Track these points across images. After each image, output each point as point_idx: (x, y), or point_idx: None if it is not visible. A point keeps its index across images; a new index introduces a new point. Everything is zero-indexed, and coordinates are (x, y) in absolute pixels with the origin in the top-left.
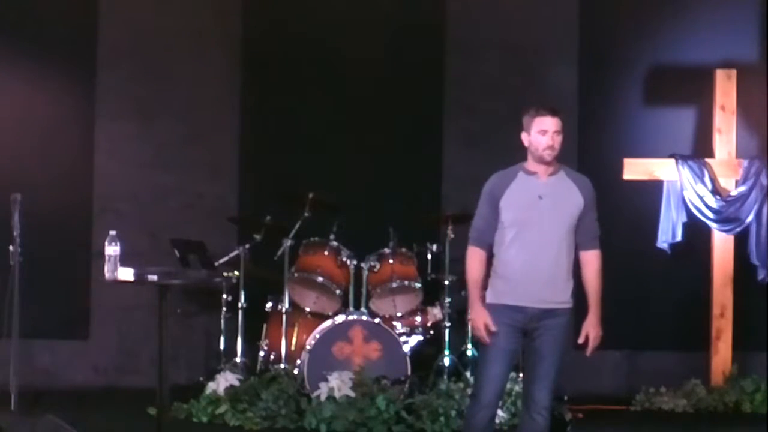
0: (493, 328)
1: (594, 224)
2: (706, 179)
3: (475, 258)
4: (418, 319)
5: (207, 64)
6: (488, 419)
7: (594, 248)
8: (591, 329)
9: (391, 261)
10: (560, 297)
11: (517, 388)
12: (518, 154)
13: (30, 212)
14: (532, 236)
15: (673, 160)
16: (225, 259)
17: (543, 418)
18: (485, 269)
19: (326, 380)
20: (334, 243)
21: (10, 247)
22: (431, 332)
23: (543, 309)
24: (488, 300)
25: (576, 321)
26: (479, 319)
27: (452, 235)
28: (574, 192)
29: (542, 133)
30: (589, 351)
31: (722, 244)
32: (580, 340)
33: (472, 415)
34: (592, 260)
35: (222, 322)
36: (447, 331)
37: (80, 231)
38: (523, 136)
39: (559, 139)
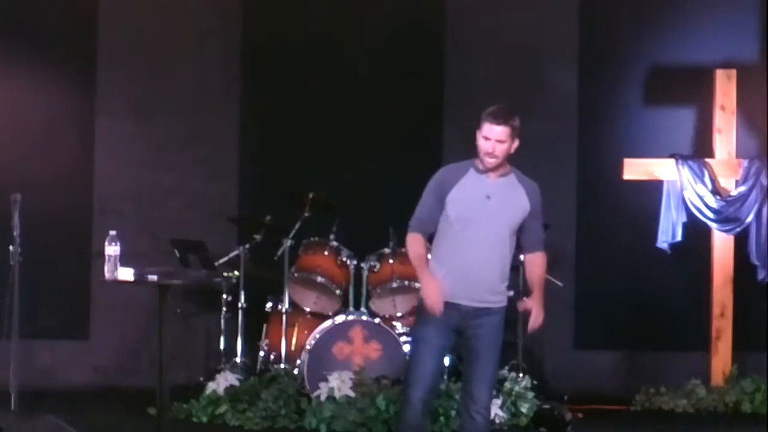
0: (445, 298)
1: (540, 230)
2: (706, 179)
3: (416, 240)
4: None
5: (207, 64)
6: (419, 417)
7: (540, 251)
8: (534, 305)
9: (391, 261)
10: (496, 296)
11: (517, 387)
12: (518, 153)
13: (30, 212)
14: (475, 235)
15: (673, 160)
16: (225, 259)
17: (483, 417)
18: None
19: (326, 380)
20: (334, 243)
21: (10, 247)
22: None
23: (477, 308)
24: None
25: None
26: (432, 287)
27: None
28: (521, 196)
29: (485, 138)
30: (529, 327)
31: (722, 244)
32: (520, 308)
33: (402, 418)
34: (539, 262)
35: (222, 322)
36: None
37: (80, 231)
38: (477, 132)
39: (502, 147)
